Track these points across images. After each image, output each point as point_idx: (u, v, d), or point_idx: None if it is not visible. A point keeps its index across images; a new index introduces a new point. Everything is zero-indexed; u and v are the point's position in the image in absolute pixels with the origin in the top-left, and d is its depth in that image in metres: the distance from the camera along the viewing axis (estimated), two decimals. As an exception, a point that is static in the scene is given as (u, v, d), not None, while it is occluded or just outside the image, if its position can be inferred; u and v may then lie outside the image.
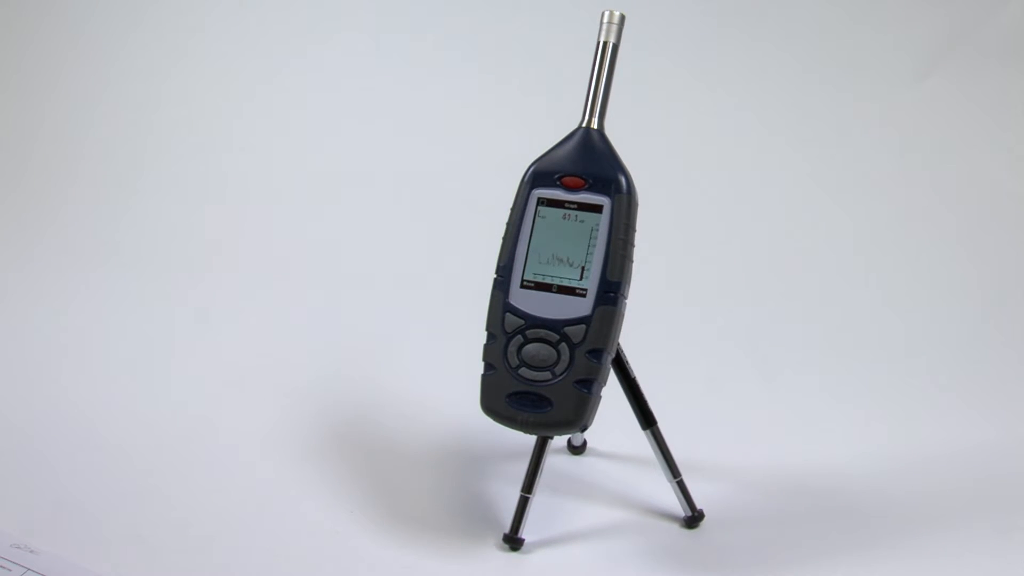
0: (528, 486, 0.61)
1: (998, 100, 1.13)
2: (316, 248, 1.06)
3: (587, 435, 0.77)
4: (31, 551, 0.54)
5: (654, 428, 0.64)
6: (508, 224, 0.60)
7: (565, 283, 0.58)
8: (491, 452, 0.73)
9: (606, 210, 0.58)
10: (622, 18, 0.61)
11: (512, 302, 0.58)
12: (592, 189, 0.58)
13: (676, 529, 0.65)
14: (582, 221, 0.58)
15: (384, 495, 0.67)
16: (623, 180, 0.58)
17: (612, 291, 0.57)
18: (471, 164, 1.09)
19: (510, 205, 0.60)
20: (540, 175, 0.60)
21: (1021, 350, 0.97)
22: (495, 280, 0.60)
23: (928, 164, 1.12)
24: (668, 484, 0.65)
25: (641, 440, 0.64)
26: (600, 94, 0.61)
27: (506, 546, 0.61)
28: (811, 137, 1.14)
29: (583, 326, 0.57)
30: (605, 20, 0.61)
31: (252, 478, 0.69)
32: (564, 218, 0.59)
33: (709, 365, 0.93)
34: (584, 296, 0.57)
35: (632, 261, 0.58)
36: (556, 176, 0.59)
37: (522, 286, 0.59)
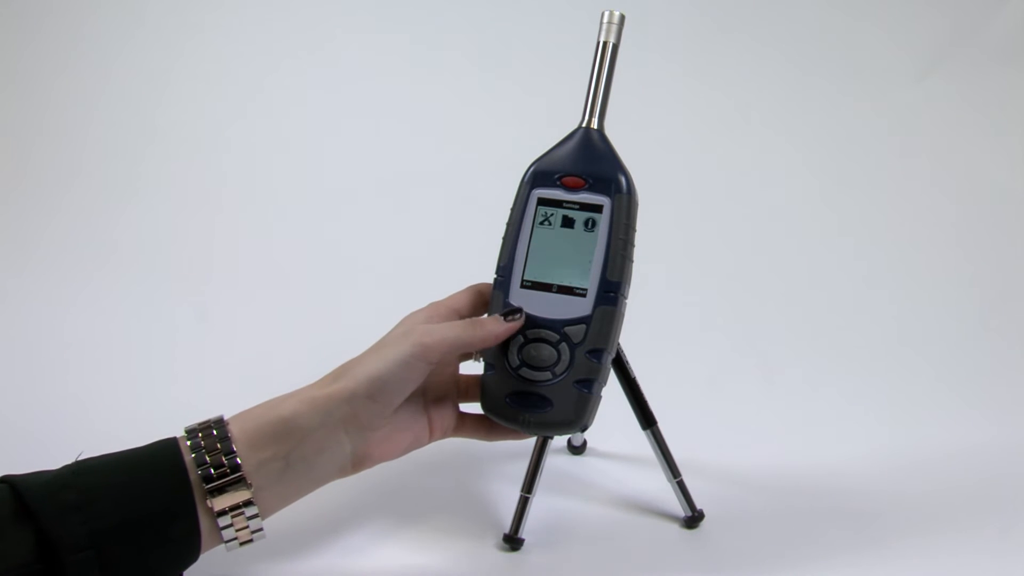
0: (528, 486, 0.61)
1: (998, 100, 1.13)
2: (316, 248, 1.06)
3: (587, 435, 0.77)
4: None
5: (654, 428, 0.64)
6: (508, 224, 0.60)
7: (565, 283, 0.58)
8: (491, 452, 0.73)
9: (606, 210, 0.58)
10: (622, 18, 0.61)
11: (512, 302, 0.58)
12: (592, 189, 0.58)
13: (676, 529, 0.65)
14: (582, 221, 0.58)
15: (384, 495, 0.67)
16: (623, 180, 0.58)
17: (612, 291, 0.57)
18: (471, 164, 1.09)
19: (510, 205, 0.60)
20: (540, 175, 0.60)
21: (1021, 350, 0.97)
22: (495, 280, 0.60)
23: (928, 164, 1.12)
24: (668, 484, 0.65)
25: (641, 440, 0.64)
26: (600, 94, 0.60)
27: (506, 546, 0.61)
28: (811, 137, 1.14)
29: (583, 326, 0.57)
30: (605, 20, 0.61)
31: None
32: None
33: (709, 365, 0.93)
34: (584, 296, 0.57)
35: (632, 261, 0.58)
36: (556, 176, 0.59)
37: (522, 286, 0.58)
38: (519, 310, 0.57)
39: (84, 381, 0.85)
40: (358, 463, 0.54)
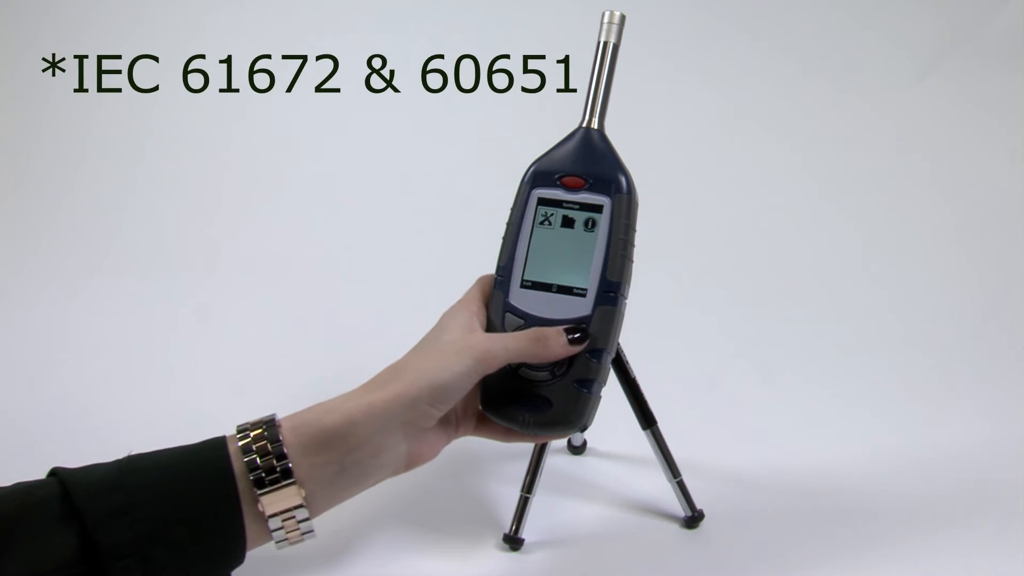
0: (528, 486, 0.61)
1: (998, 100, 1.13)
2: (316, 248, 1.06)
3: (587, 435, 0.77)
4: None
5: (654, 428, 0.64)
6: (508, 224, 0.60)
7: (565, 283, 0.58)
8: (491, 452, 0.73)
9: (606, 210, 0.57)
10: (622, 18, 0.61)
11: (512, 302, 0.58)
12: (592, 189, 0.58)
13: (676, 529, 0.65)
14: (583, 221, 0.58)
15: (384, 496, 0.67)
16: (623, 180, 0.58)
17: (612, 291, 0.57)
18: (471, 164, 1.09)
19: (510, 205, 0.60)
20: (540, 175, 0.59)
21: (1021, 350, 0.97)
22: (495, 280, 0.60)
23: (928, 164, 1.12)
24: (668, 484, 0.65)
25: (641, 440, 0.64)
26: (600, 94, 0.60)
27: (506, 546, 0.61)
28: (811, 137, 1.14)
29: (583, 326, 0.57)
30: (605, 20, 0.61)
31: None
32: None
33: (709, 365, 0.93)
34: (584, 296, 0.57)
35: (632, 261, 0.58)
36: (556, 176, 0.59)
37: (522, 286, 0.58)
38: (585, 333, 0.56)
39: (84, 381, 0.85)
40: (411, 463, 0.54)
